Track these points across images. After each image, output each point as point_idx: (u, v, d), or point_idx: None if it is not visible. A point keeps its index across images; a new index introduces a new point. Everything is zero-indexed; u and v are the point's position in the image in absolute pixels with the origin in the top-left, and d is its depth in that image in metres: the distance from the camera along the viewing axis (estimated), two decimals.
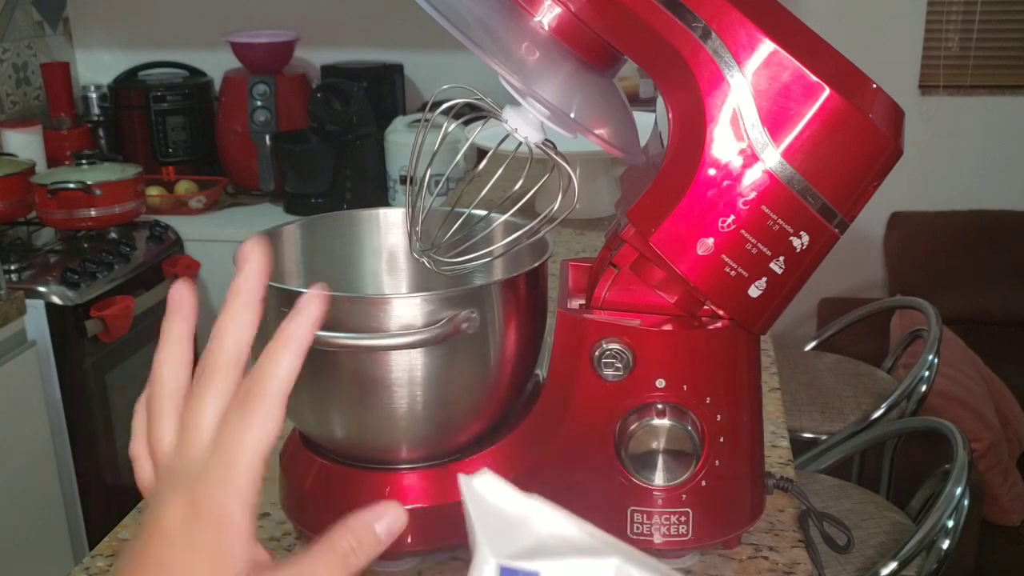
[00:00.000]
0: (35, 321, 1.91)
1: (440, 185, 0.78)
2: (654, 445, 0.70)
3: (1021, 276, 2.95)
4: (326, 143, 2.43)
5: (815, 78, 0.63)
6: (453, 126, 0.72)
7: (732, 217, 0.66)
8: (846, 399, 1.81)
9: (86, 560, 0.77)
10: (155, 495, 0.45)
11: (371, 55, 2.80)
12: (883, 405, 1.73)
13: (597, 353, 0.70)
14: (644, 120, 0.78)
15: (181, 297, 0.48)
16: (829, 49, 0.66)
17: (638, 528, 0.73)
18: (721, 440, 0.71)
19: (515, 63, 0.65)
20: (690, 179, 0.66)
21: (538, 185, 0.72)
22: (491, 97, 0.69)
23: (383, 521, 0.42)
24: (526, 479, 0.74)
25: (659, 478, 0.71)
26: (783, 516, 0.82)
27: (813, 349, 2.07)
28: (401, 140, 2.38)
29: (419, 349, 0.68)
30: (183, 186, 2.54)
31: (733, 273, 0.67)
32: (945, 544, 1.22)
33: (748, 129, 0.64)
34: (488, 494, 0.42)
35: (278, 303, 0.69)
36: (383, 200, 2.45)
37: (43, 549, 1.98)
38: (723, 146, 0.65)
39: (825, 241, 0.67)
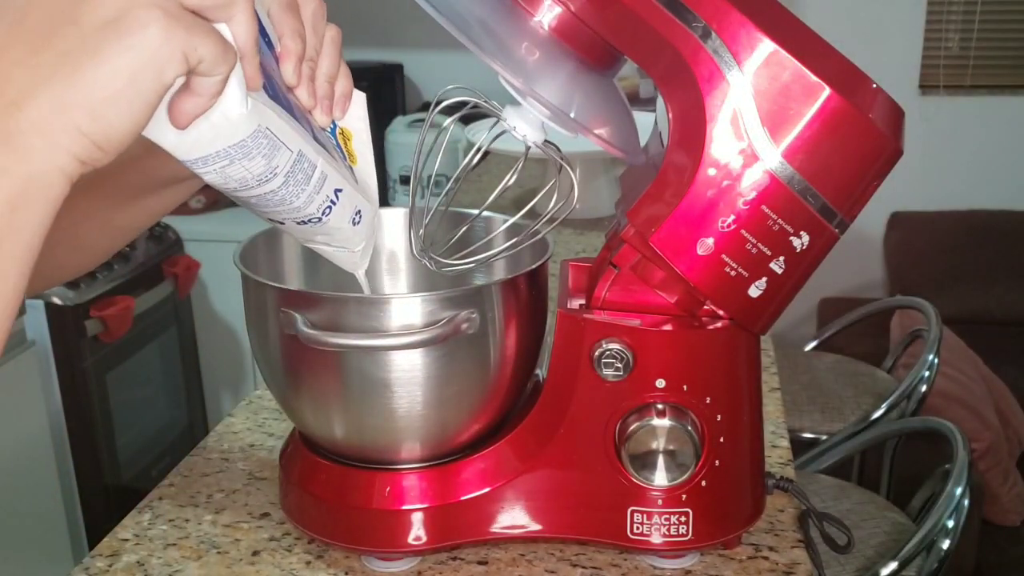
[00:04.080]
0: (35, 321, 1.92)
1: (447, 186, 0.78)
2: (654, 445, 0.70)
3: (1021, 276, 2.95)
4: None
5: (815, 78, 0.63)
6: (450, 124, 0.72)
7: (732, 217, 0.66)
8: (846, 399, 1.81)
9: (86, 560, 0.77)
10: None
11: (371, 55, 2.80)
12: (883, 405, 1.73)
13: (597, 353, 0.70)
14: (644, 120, 0.78)
15: None
16: (829, 49, 0.66)
17: (638, 528, 0.73)
18: (721, 440, 0.71)
19: (515, 63, 0.65)
20: (690, 179, 0.66)
21: (546, 188, 0.72)
22: (492, 97, 0.69)
23: None
24: (526, 479, 0.74)
25: (659, 478, 0.71)
26: (783, 516, 0.82)
27: (813, 349, 2.07)
28: (401, 140, 2.38)
29: (419, 349, 0.68)
30: None
31: (733, 273, 0.67)
32: (945, 544, 1.22)
33: (748, 129, 0.64)
34: None
35: (278, 303, 0.69)
36: (383, 200, 2.45)
37: (43, 549, 1.98)
38: (723, 146, 0.65)
39: (825, 241, 0.67)
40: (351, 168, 0.66)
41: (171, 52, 0.42)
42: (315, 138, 0.60)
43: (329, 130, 0.65)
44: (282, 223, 0.62)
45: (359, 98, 0.67)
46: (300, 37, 0.61)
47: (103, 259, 0.74)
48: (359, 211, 0.64)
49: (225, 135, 0.50)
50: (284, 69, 0.60)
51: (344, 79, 0.65)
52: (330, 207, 0.61)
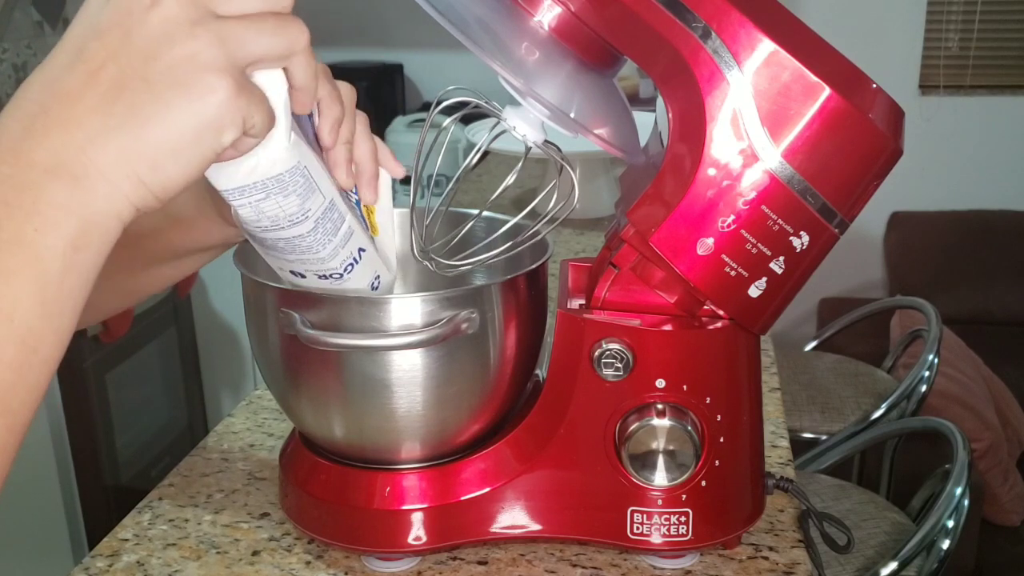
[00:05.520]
0: None
1: (447, 186, 0.78)
2: (654, 445, 0.70)
3: (1021, 276, 2.95)
4: None
5: (815, 78, 0.63)
6: (450, 124, 0.72)
7: (732, 217, 0.66)
8: (846, 399, 1.81)
9: (86, 560, 0.77)
10: None
11: (371, 55, 2.80)
12: (883, 405, 1.74)
13: (597, 353, 0.70)
14: (644, 120, 0.78)
15: None
16: (829, 49, 0.66)
17: (638, 528, 0.73)
18: (721, 440, 0.71)
19: (515, 63, 0.65)
20: (690, 179, 0.66)
21: (547, 189, 0.72)
22: (492, 97, 0.69)
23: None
24: (526, 479, 0.74)
25: (659, 478, 0.71)
26: (783, 516, 0.82)
27: (813, 349, 2.08)
28: (401, 140, 2.38)
29: (419, 349, 0.68)
30: None
31: (733, 273, 0.67)
32: (945, 544, 1.23)
33: (748, 129, 0.64)
34: None
35: (278, 303, 0.69)
36: None
37: (43, 549, 1.98)
38: (723, 146, 0.65)
39: (825, 241, 0.67)
40: (372, 238, 0.69)
41: (232, 118, 0.46)
42: (344, 198, 0.63)
43: (355, 200, 0.68)
44: (303, 275, 0.64)
45: (385, 177, 0.71)
46: (338, 102, 0.64)
47: (108, 316, 0.76)
48: (378, 276, 0.67)
49: (264, 167, 0.53)
50: (321, 130, 0.63)
51: (377, 159, 0.69)
52: (352, 265, 0.64)
